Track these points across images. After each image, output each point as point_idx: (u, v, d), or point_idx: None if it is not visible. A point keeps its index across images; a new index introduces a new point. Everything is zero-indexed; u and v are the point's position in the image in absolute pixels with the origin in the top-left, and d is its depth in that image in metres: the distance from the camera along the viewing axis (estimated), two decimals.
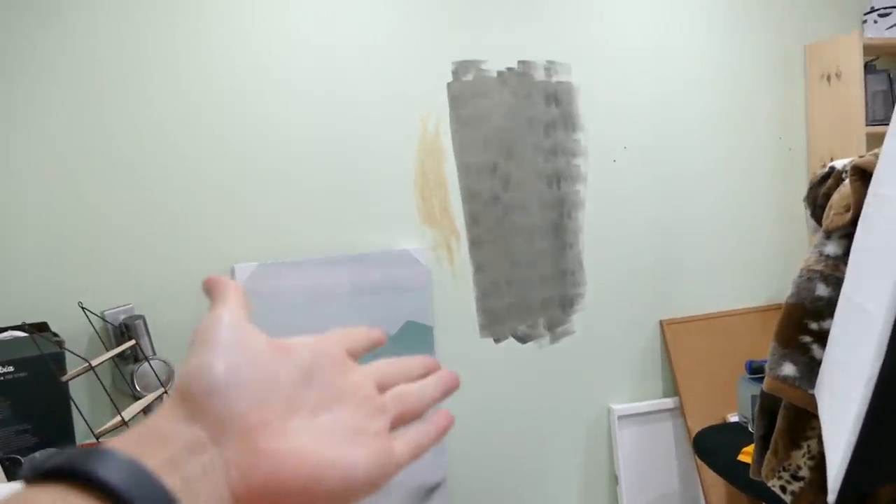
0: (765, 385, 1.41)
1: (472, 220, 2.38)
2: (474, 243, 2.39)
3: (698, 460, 2.46)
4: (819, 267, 1.31)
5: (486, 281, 2.41)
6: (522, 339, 2.49)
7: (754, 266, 2.78)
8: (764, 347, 2.73)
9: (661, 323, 2.66)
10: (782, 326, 1.40)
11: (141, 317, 1.93)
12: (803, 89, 2.81)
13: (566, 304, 2.53)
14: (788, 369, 1.33)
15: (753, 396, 2.24)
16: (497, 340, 2.45)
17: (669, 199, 2.65)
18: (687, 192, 2.67)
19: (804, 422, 1.34)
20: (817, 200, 1.44)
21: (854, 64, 2.60)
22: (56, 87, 1.96)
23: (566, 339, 2.54)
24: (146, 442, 0.29)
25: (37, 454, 1.32)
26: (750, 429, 2.23)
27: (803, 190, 2.76)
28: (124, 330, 1.90)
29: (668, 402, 2.64)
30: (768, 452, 1.41)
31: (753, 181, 2.77)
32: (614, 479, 2.62)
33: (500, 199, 2.41)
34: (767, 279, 2.80)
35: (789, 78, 2.79)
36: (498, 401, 2.45)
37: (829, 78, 2.70)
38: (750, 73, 2.73)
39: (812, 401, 1.28)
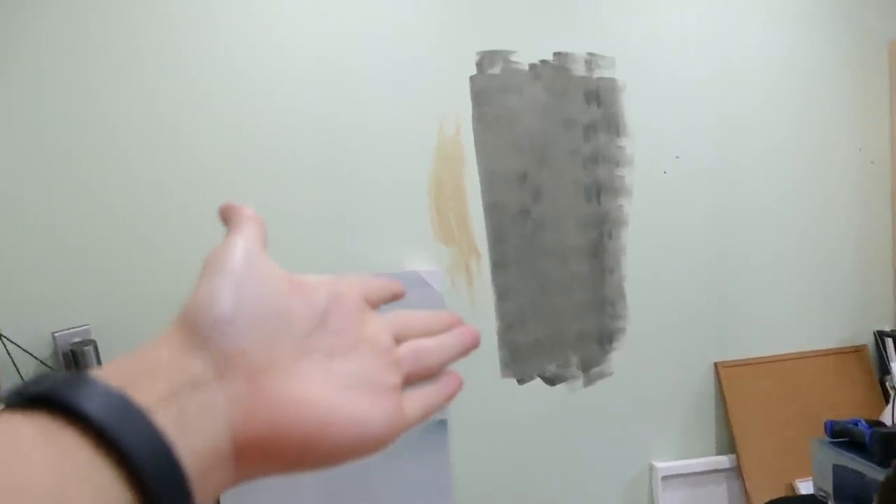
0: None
1: (496, 238, 2.02)
2: (498, 265, 2.02)
3: None
4: None
5: (511, 310, 2.04)
6: (551, 381, 2.10)
7: (828, 300, 2.36)
8: (840, 398, 2.33)
9: (715, 365, 2.26)
10: None
11: (92, 342, 1.60)
12: (888, 92, 2.40)
13: (604, 339, 2.14)
14: None
15: (836, 466, 1.83)
16: (521, 381, 2.07)
17: (729, 219, 2.25)
18: (749, 211, 2.27)
19: None
20: None
21: None
22: (21, 92, 1.66)
23: (602, 381, 2.15)
24: (141, 372, 0.27)
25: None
26: None
27: (887, 209, 2.39)
28: (70, 359, 1.57)
29: (724, 461, 2.23)
30: None
31: (828, 199, 2.35)
32: None
33: (529, 213, 2.04)
34: (843, 316, 2.38)
35: (871, 78, 2.38)
36: (520, 454, 2.07)
37: None
38: (824, 71, 2.33)
39: None
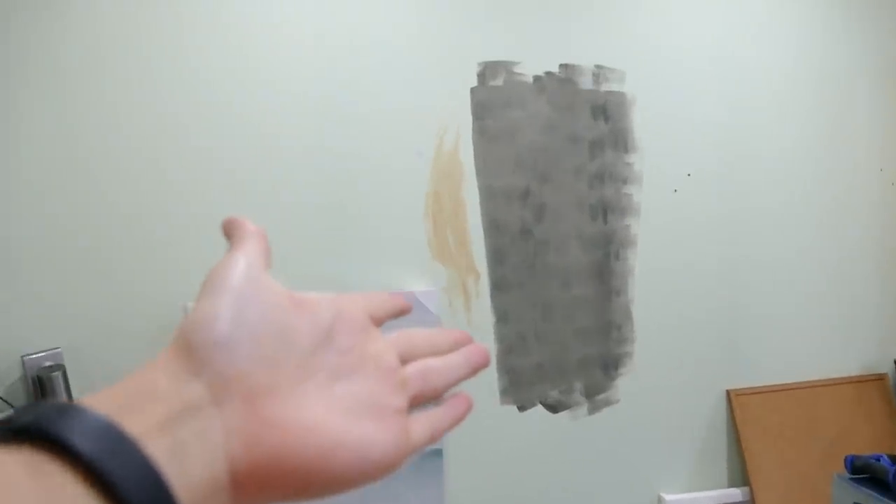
0: None
1: (496, 258, 1.92)
2: (497, 286, 1.93)
3: None
4: None
5: (511, 334, 1.94)
6: (553, 408, 2.00)
7: (848, 325, 2.25)
8: (859, 429, 2.21)
9: (728, 393, 2.14)
10: None
11: (61, 367, 1.51)
12: None
13: (609, 365, 2.04)
14: None
15: None
16: (521, 408, 1.97)
17: (742, 239, 2.14)
18: (764, 232, 2.16)
19: None
20: None
21: None
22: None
23: (608, 409, 2.04)
24: (135, 398, 0.26)
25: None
26: None
27: None
28: (37, 384, 1.48)
29: (736, 494, 2.11)
30: None
31: (847, 222, 2.24)
32: None
33: (531, 232, 1.94)
34: (863, 342, 2.26)
35: (893, 96, 2.27)
36: (520, 485, 1.96)
37: None
38: (844, 89, 2.22)
39: None
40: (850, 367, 2.25)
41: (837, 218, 2.24)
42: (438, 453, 1.85)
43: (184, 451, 0.25)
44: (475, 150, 1.90)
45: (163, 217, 1.68)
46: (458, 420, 0.37)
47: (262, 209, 1.74)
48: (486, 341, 1.92)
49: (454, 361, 0.37)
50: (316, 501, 0.30)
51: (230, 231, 0.35)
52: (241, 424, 0.27)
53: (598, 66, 1.99)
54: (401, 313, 0.39)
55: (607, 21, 2.00)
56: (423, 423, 0.34)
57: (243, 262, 0.31)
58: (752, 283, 2.16)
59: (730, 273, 2.14)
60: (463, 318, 1.91)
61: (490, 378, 1.92)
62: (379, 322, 0.37)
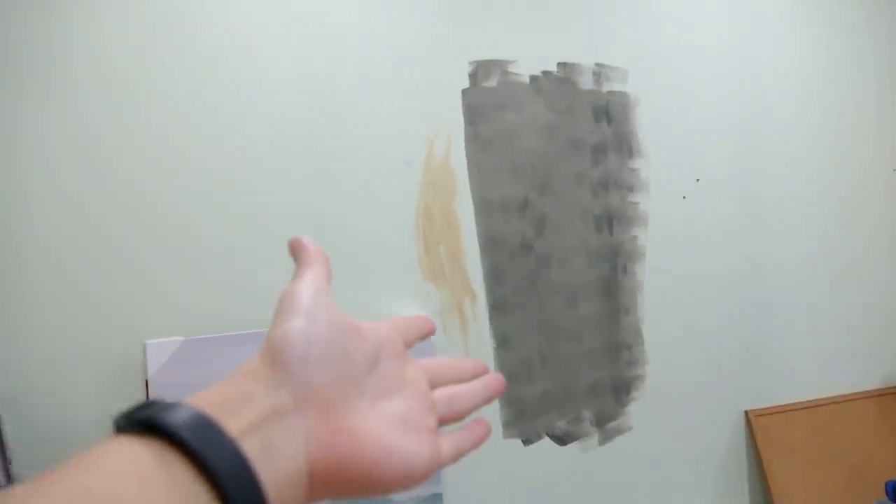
0: None
1: (494, 277, 1.74)
2: (497, 308, 1.75)
3: None
4: None
5: (513, 360, 1.76)
6: (562, 440, 1.81)
7: (867, 336, 2.10)
8: (885, 447, 2.06)
9: (746, 414, 1.98)
10: None
11: None
12: None
13: (621, 390, 1.86)
14: None
15: None
16: (527, 442, 1.78)
17: (756, 248, 1.99)
18: (779, 240, 2.02)
19: None
20: None
21: None
22: None
23: (620, 437, 1.86)
24: (230, 403, 0.30)
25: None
26: None
27: None
28: None
29: None
30: None
31: (866, 228, 2.11)
32: None
33: (531, 247, 1.77)
34: (883, 353, 2.12)
35: None
36: None
37: None
38: (860, 84, 2.09)
39: None
40: (871, 380, 2.11)
41: (857, 222, 2.10)
42: (438, 497, 1.65)
43: (271, 450, 0.29)
44: (468, 157, 1.72)
45: (120, 236, 1.46)
46: (479, 442, 0.42)
47: (236, 226, 1.53)
48: None
49: (474, 389, 0.42)
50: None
51: (296, 254, 0.39)
52: (318, 431, 0.32)
53: (598, 65, 1.83)
54: (427, 335, 0.44)
55: (608, 16, 1.85)
56: (449, 442, 0.39)
57: (312, 288, 0.36)
58: (768, 294, 2.01)
59: (744, 285, 1.98)
60: (459, 345, 1.72)
61: (492, 410, 1.73)
62: (409, 345, 0.41)
